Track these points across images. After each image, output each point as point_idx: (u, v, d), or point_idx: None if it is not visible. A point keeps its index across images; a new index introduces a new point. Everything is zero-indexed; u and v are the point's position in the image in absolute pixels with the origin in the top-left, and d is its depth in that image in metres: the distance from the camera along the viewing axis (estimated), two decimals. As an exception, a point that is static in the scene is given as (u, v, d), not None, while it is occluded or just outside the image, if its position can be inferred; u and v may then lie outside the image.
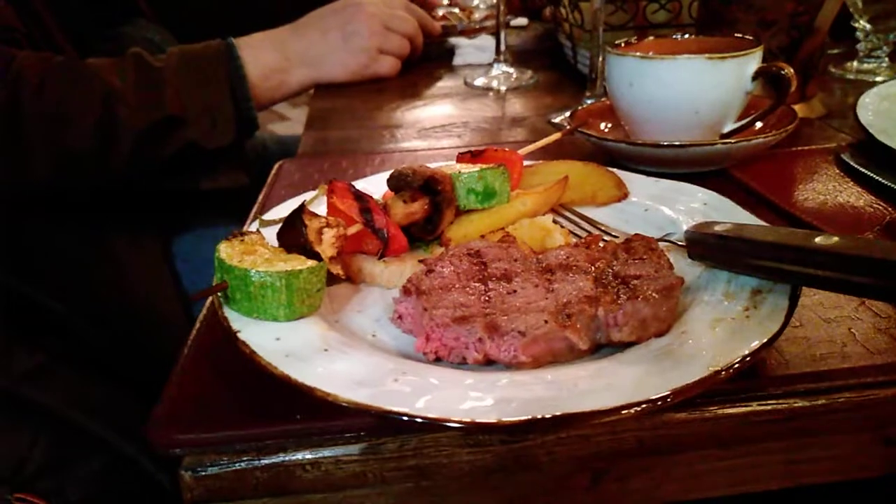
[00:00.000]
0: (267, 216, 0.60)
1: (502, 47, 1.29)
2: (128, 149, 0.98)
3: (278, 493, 0.42)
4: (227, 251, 0.46)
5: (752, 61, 0.73)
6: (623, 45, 0.83)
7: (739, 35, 0.80)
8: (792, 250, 0.43)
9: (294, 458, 0.41)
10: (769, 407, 0.43)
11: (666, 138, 0.77)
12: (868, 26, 1.14)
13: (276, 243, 0.50)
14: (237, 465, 0.41)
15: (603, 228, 0.61)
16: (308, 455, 0.41)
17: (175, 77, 1.01)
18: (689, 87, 0.73)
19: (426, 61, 1.48)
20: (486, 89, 1.25)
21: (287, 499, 0.42)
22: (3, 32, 1.04)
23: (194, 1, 1.69)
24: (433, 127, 1.07)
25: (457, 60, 1.43)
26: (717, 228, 0.48)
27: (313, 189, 0.68)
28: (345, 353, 0.41)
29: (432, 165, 0.69)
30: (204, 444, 0.41)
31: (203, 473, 0.40)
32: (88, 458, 0.97)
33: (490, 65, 1.33)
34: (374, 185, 0.67)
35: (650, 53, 0.74)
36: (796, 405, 0.43)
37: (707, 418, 0.42)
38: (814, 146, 0.84)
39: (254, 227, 0.59)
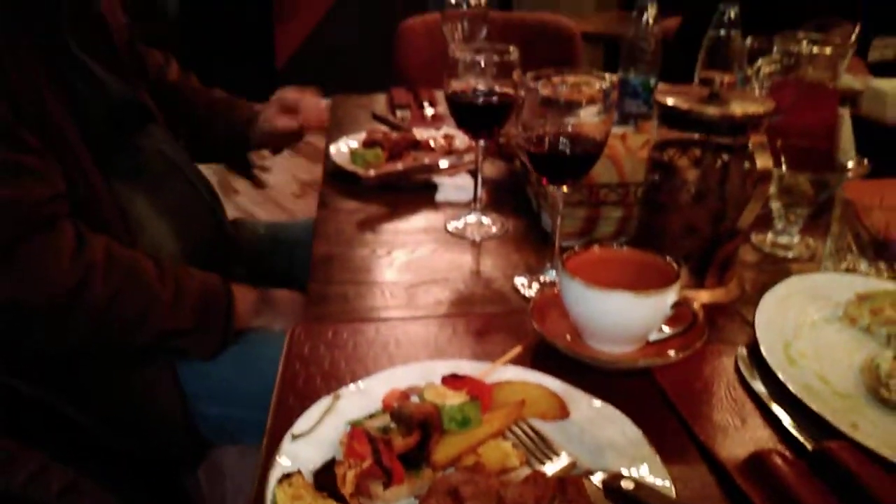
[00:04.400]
0: (296, 430, 0.79)
1: (479, 194, 1.50)
2: (143, 339, 1.25)
3: None
4: (281, 497, 0.65)
5: (671, 294, 0.95)
6: (574, 253, 1.05)
7: (668, 259, 1.02)
8: (667, 522, 0.63)
9: None
10: None
11: (605, 343, 0.99)
12: (782, 210, 1.38)
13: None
14: None
15: (551, 446, 0.81)
16: None
17: (195, 299, 1.29)
18: (620, 314, 0.95)
19: (413, 191, 1.68)
20: (463, 237, 1.47)
21: None
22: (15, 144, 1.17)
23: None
24: (420, 283, 1.27)
25: (439, 197, 1.64)
26: (623, 484, 0.69)
27: (325, 395, 0.87)
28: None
29: (423, 368, 0.90)
30: None
31: None
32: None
33: (468, 206, 1.55)
34: (381, 384, 0.88)
35: (591, 284, 0.95)
36: None
37: None
38: (720, 345, 1.06)
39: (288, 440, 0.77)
